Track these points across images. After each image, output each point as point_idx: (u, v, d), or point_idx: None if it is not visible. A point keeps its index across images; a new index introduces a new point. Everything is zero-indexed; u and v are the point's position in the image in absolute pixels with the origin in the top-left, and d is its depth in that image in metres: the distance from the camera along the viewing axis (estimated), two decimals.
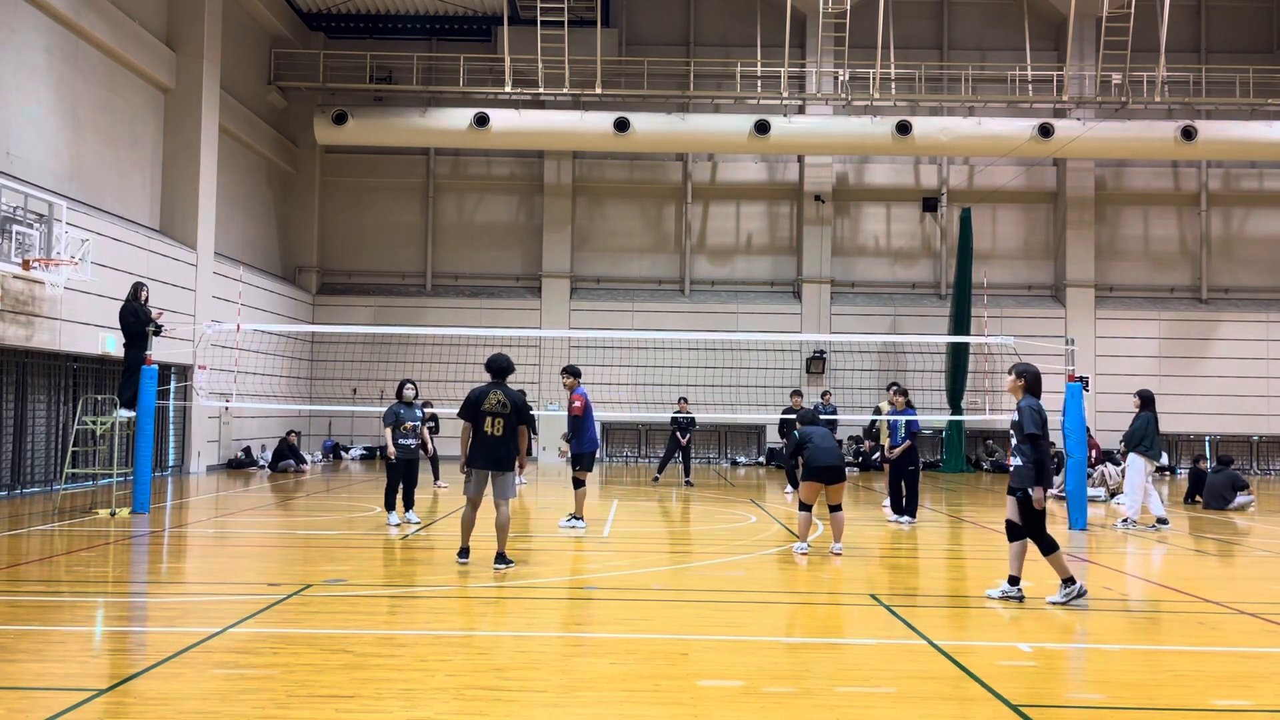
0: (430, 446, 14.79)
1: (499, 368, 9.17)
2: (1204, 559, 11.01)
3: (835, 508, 10.28)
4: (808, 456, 10.09)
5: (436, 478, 17.87)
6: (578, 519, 12.12)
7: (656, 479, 20.17)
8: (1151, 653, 6.30)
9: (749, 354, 24.66)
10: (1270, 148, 26.18)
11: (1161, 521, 13.10)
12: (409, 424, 12.20)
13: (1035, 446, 7.77)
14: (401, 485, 12.29)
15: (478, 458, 8.91)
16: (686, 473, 19.80)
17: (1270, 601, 8.07)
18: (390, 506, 12.31)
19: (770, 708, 4.95)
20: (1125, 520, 13.23)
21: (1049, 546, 7.73)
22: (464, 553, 9.18)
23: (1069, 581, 7.62)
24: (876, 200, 29.14)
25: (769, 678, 5.51)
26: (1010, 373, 8.22)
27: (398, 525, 12.09)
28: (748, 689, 5.29)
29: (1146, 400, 13.30)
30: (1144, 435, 13.01)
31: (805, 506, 10.33)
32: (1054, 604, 7.60)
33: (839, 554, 10.02)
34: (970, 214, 26.10)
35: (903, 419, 13.30)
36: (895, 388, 13.97)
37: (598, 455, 18.14)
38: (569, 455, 12.93)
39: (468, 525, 9.19)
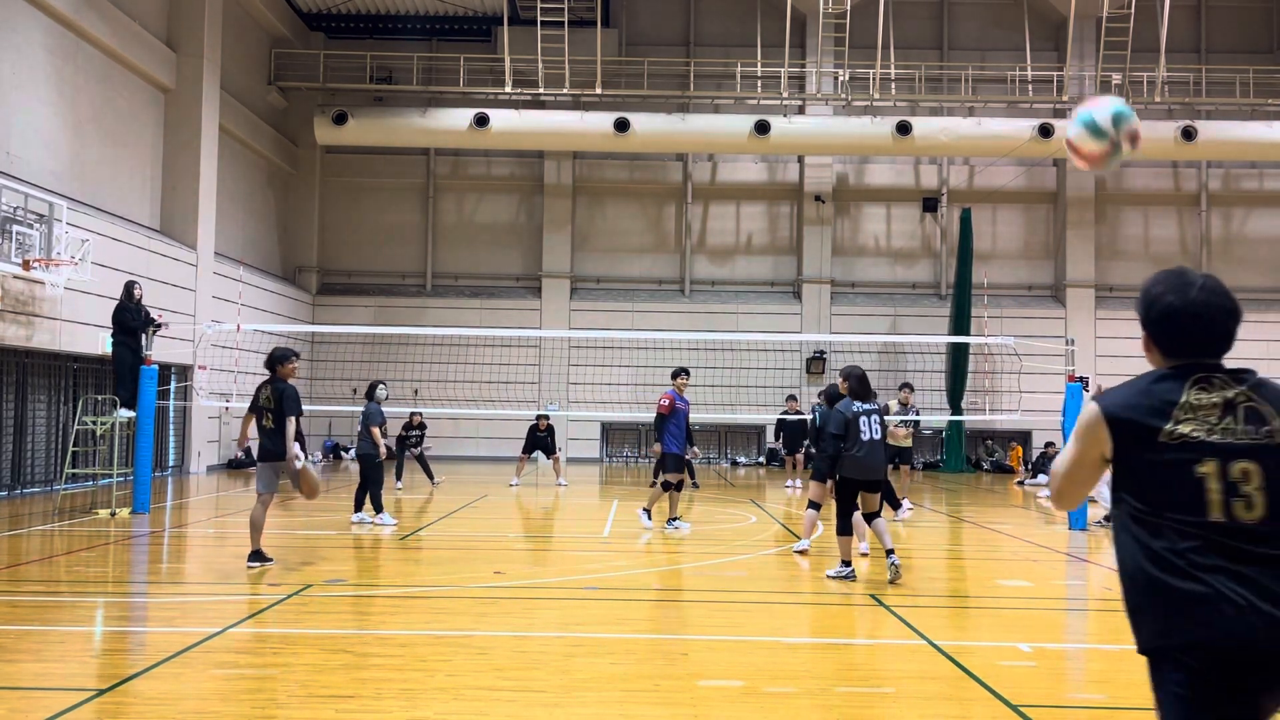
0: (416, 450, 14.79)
1: (269, 359, 8.98)
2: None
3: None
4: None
5: (431, 477, 17.68)
6: (675, 520, 12.01)
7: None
8: None
9: (749, 354, 24.65)
10: (1270, 148, 26.18)
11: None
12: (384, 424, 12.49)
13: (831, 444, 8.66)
14: (372, 485, 12.31)
15: (260, 452, 8.88)
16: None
17: None
18: (381, 508, 12.27)
19: (770, 708, 4.95)
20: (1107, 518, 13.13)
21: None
22: (256, 556, 8.74)
23: (847, 563, 8.61)
24: (876, 200, 29.13)
25: (769, 678, 5.51)
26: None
27: (394, 524, 12.06)
28: (748, 689, 5.29)
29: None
30: None
31: (816, 505, 9.62)
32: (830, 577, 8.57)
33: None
34: (970, 214, 26.10)
35: (897, 418, 13.27)
36: (908, 387, 13.99)
37: (602, 456, 18.12)
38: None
39: (257, 526, 8.83)
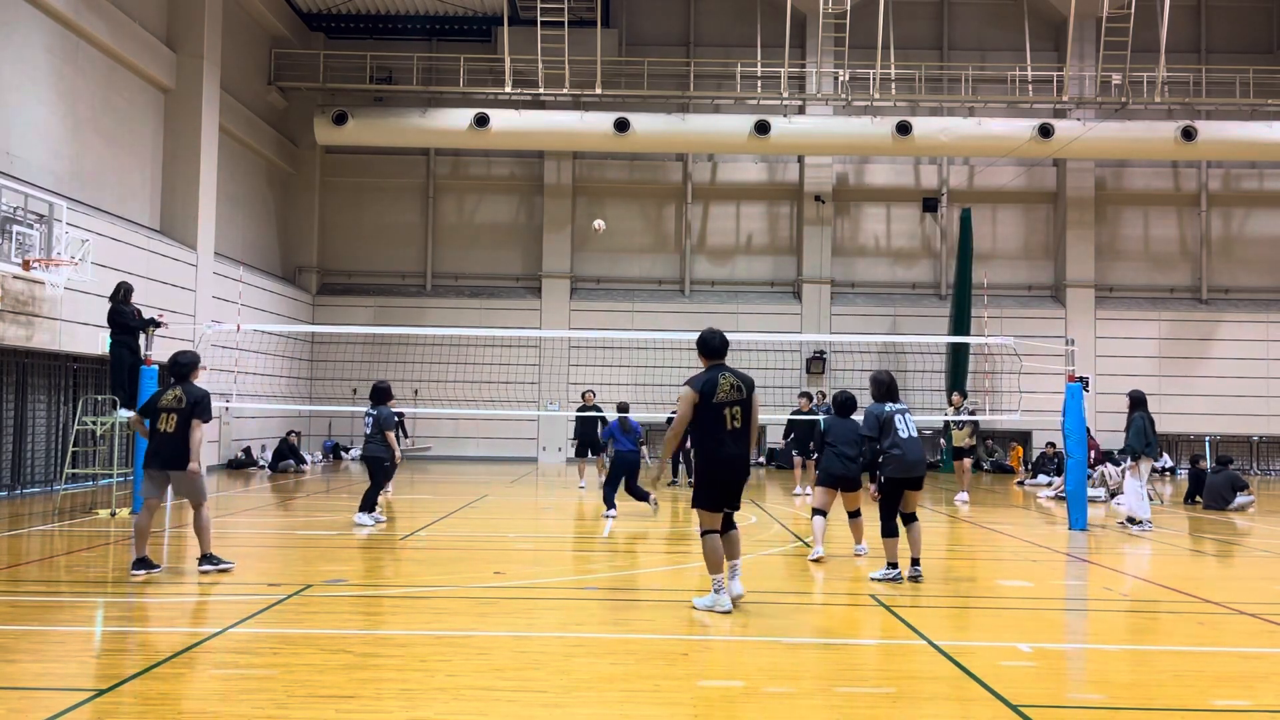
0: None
1: (175, 364, 8.56)
2: (1204, 559, 11.01)
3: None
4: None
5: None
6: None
7: (674, 482, 19.40)
8: (1151, 653, 6.30)
9: (749, 354, 24.64)
10: (1270, 148, 26.18)
11: (1136, 522, 13.01)
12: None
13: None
14: (374, 485, 12.34)
15: (152, 457, 8.35)
16: (689, 473, 19.36)
17: (1270, 601, 8.07)
18: (372, 507, 12.21)
19: (770, 708, 4.95)
20: (1136, 522, 12.96)
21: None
22: (141, 563, 8.26)
23: (894, 565, 8.48)
24: (876, 200, 29.13)
25: (769, 678, 5.51)
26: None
27: (373, 525, 11.99)
28: (748, 689, 5.29)
29: (1137, 401, 13.17)
30: (1147, 436, 12.93)
31: (822, 512, 9.37)
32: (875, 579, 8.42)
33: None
34: (970, 214, 26.09)
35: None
36: (959, 392, 14.05)
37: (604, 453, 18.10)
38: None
39: (142, 532, 8.32)
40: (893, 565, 8.46)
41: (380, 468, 12.21)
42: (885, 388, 8.78)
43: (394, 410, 14.10)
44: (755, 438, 7.25)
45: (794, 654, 6.14)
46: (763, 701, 5.06)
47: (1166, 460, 27.22)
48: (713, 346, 7.27)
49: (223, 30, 22.21)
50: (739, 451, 7.02)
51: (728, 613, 6.98)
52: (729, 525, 7.20)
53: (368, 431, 12.48)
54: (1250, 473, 26.52)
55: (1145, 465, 13.07)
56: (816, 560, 9.58)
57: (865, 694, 5.27)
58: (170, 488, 8.54)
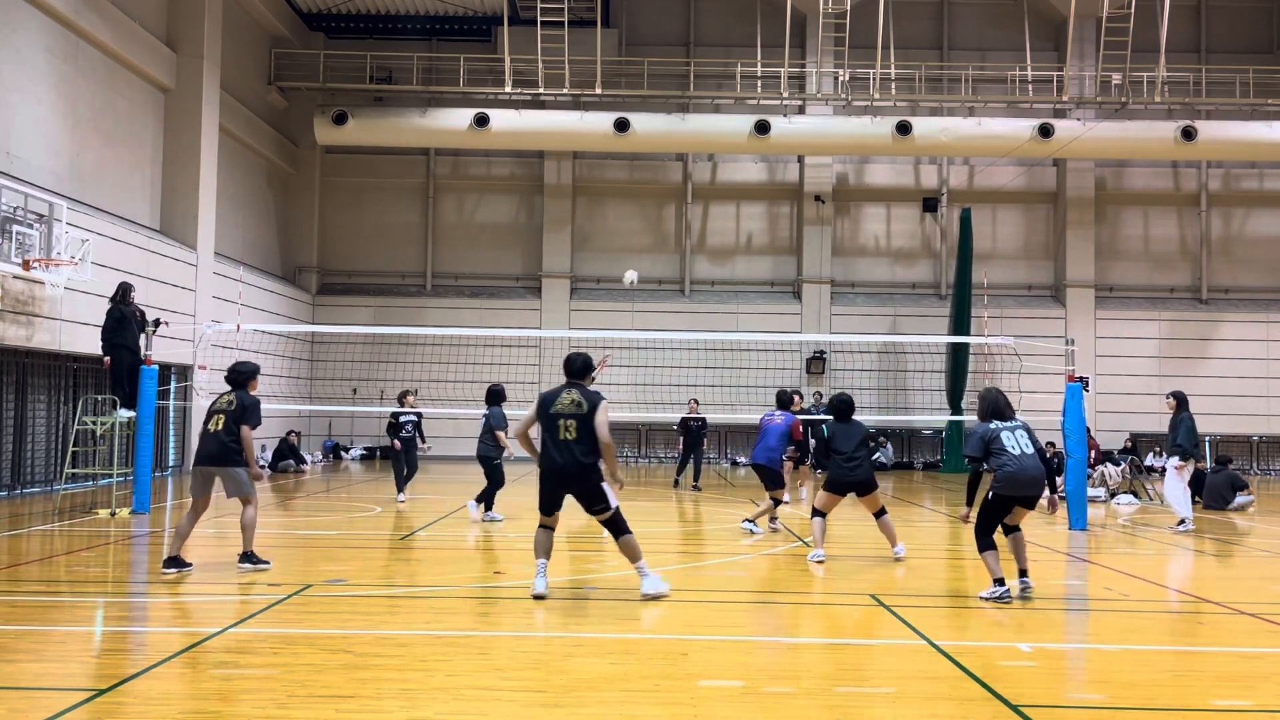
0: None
1: (232, 371, 8.99)
2: (1204, 559, 11.01)
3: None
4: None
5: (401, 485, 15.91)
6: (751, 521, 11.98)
7: (677, 483, 19.03)
8: (1151, 653, 6.30)
9: (749, 354, 24.65)
10: (1270, 148, 26.18)
11: (1180, 522, 12.94)
12: None
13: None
14: (493, 485, 12.95)
15: (198, 455, 8.80)
16: (696, 477, 18.89)
17: (1270, 601, 8.07)
18: (491, 505, 12.91)
19: (770, 708, 4.95)
20: (1180, 522, 12.83)
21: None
22: (174, 562, 8.51)
23: (1000, 581, 7.78)
24: (876, 200, 29.14)
25: (769, 678, 5.51)
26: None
27: (502, 520, 12.67)
28: (748, 689, 5.29)
29: (1183, 401, 13.04)
30: (1195, 436, 12.86)
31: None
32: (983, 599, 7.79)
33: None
34: (970, 214, 26.09)
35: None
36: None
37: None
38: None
39: (182, 532, 8.70)
40: (999, 582, 7.76)
41: (491, 466, 12.65)
42: (990, 405, 8.19)
43: (413, 411, 14.22)
44: (608, 454, 7.56)
45: (794, 654, 6.15)
46: (763, 701, 5.06)
47: (1167, 460, 27.22)
48: (570, 368, 7.89)
49: (223, 30, 22.21)
50: (562, 461, 7.50)
51: (538, 599, 7.43)
52: (619, 530, 7.64)
53: (480, 433, 12.99)
54: (1250, 473, 26.52)
55: (1190, 466, 12.95)
56: (819, 562, 9.50)
57: (865, 694, 5.27)
58: (219, 486, 8.87)
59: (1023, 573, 7.98)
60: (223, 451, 8.55)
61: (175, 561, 8.49)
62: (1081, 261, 28.19)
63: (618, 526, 7.64)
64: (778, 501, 11.77)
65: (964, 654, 6.09)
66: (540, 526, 7.74)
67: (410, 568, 9.33)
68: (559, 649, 6.10)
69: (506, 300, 28.31)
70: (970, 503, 8.13)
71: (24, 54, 16.33)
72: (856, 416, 9.95)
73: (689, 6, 29.07)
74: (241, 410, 8.64)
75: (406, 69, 27.16)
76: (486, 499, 12.76)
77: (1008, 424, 8.03)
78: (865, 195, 29.12)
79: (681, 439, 18.94)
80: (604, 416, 7.49)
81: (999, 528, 8.01)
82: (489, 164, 29.21)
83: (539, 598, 7.45)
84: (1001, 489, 7.78)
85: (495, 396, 12.99)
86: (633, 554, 7.64)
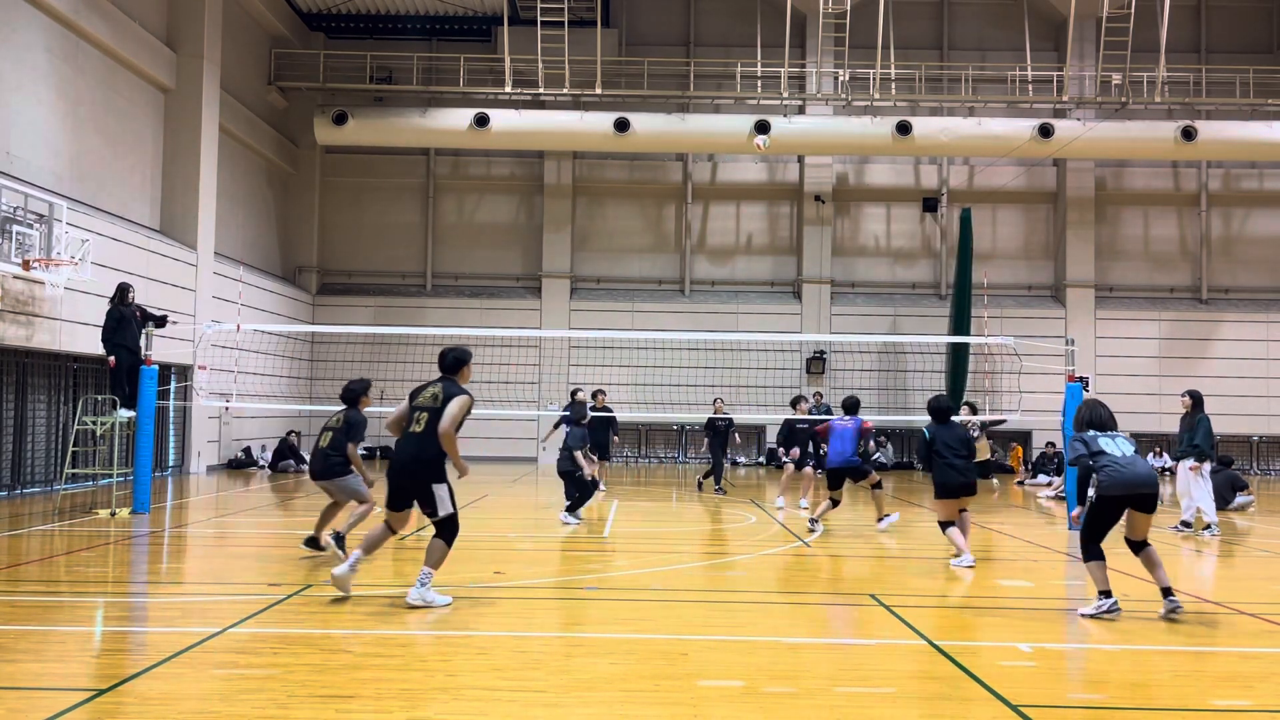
0: None
1: (345, 390, 9.75)
2: (1204, 559, 11.01)
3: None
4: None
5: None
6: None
7: (719, 489, 17.92)
8: (1152, 653, 6.29)
9: (749, 354, 24.66)
10: (1270, 148, 26.18)
11: (1190, 525, 12.74)
12: None
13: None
14: (584, 494, 13.04)
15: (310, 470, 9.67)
16: (717, 480, 18.05)
17: (1270, 601, 8.07)
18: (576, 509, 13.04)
19: (770, 708, 4.95)
20: (1205, 526, 12.68)
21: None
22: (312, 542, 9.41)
23: (1106, 593, 7.21)
24: (876, 200, 29.14)
25: (769, 678, 5.51)
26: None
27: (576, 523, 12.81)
28: (748, 689, 5.29)
29: (1200, 400, 12.76)
30: (1212, 438, 12.71)
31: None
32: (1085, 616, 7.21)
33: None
34: (970, 214, 26.09)
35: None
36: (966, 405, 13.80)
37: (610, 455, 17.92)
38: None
39: (324, 517, 9.60)
40: (1105, 594, 7.11)
41: (572, 479, 12.72)
42: (1087, 416, 7.58)
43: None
44: (445, 442, 7.06)
45: (794, 654, 6.15)
46: (762, 701, 5.06)
47: (1167, 460, 27.24)
48: (441, 363, 7.54)
49: (223, 30, 22.21)
50: (407, 452, 7.12)
51: (338, 587, 7.33)
52: (441, 535, 7.20)
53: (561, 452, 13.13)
54: (1250, 473, 26.52)
55: (1207, 468, 12.76)
56: (970, 567, 9.35)
57: (865, 694, 5.27)
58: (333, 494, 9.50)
59: (1166, 592, 7.17)
60: (327, 466, 9.22)
61: (336, 539, 9.15)
62: (1081, 261, 28.19)
63: (441, 531, 7.24)
64: (835, 502, 12.03)
65: (964, 654, 6.09)
66: (384, 522, 7.47)
67: (410, 568, 9.32)
68: (559, 649, 6.10)
69: (506, 300, 28.32)
70: (1081, 501, 7.52)
71: (24, 54, 16.33)
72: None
73: (689, 6, 29.07)
74: (348, 428, 9.30)
75: (406, 69, 27.16)
76: (579, 502, 12.87)
77: (1107, 433, 7.45)
78: (865, 195, 29.12)
79: (707, 439, 18.44)
80: (455, 409, 7.03)
81: (1107, 539, 7.32)
82: (489, 164, 29.21)
83: (339, 587, 7.24)
84: (1107, 489, 7.13)
85: (575, 416, 13.33)
86: (432, 558, 7.16)
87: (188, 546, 10.82)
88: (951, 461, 9.45)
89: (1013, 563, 10.19)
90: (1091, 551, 7.26)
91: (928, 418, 10.07)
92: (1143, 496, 7.13)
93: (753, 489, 19.37)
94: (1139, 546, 7.38)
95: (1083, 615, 7.13)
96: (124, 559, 9.52)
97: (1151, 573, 7.34)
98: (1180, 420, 13.05)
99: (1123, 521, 7.38)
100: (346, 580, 7.33)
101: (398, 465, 7.24)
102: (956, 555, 9.57)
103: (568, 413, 17.13)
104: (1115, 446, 7.29)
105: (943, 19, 28.93)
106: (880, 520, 12.23)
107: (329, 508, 9.55)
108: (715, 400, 18.89)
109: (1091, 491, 7.25)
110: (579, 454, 12.73)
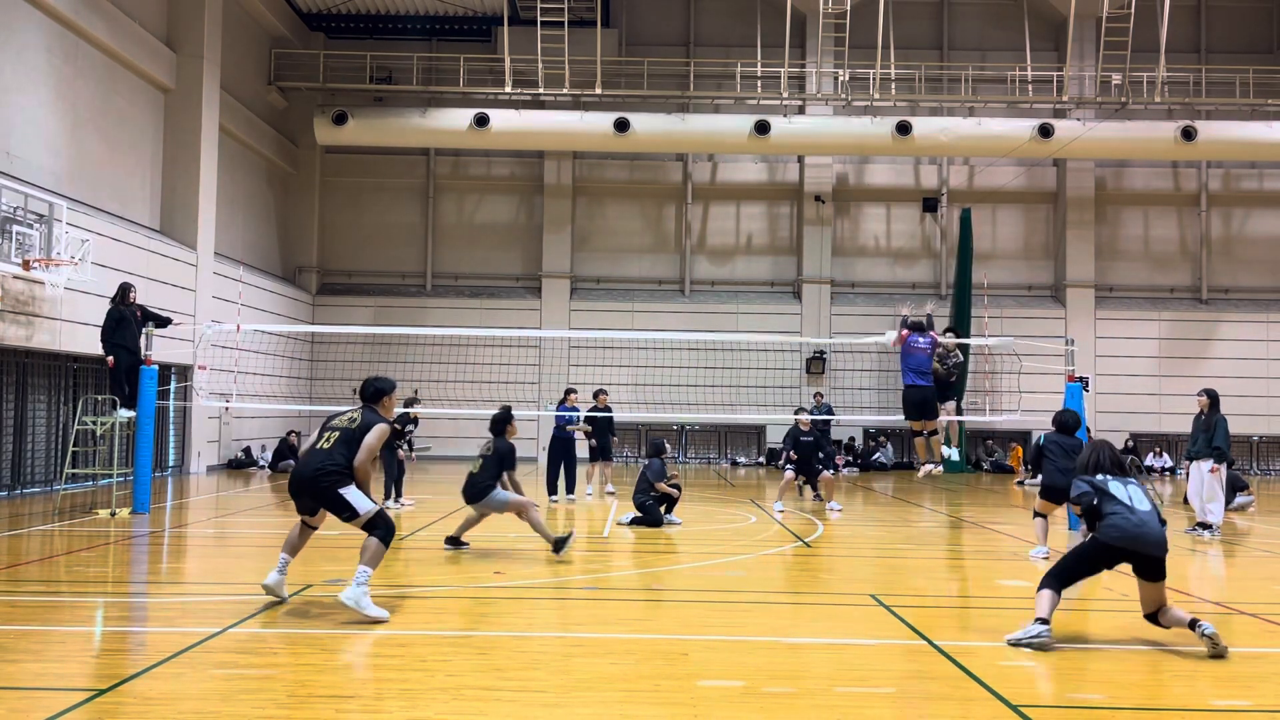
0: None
1: (493, 419, 10.63)
2: (1204, 559, 11.00)
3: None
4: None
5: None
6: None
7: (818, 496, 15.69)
8: (1152, 653, 6.29)
9: (749, 354, 24.65)
10: (1270, 148, 26.18)
11: (1211, 527, 12.54)
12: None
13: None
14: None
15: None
16: (814, 488, 15.65)
17: (1270, 601, 8.07)
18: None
19: (770, 708, 4.95)
20: (1208, 526, 12.53)
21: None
22: (453, 541, 10.24)
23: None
24: (876, 200, 29.14)
25: (769, 678, 5.51)
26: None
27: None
28: (748, 689, 5.29)
29: (1217, 400, 12.57)
30: (1229, 438, 12.55)
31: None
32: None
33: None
34: (970, 214, 26.10)
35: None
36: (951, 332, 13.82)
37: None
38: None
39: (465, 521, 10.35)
40: (1042, 621, 6.30)
41: (644, 510, 12.56)
42: (1091, 458, 6.72)
43: (406, 412, 14.24)
44: (359, 472, 6.95)
45: (794, 654, 6.14)
46: (762, 701, 5.06)
47: (1167, 460, 27.24)
48: (362, 393, 7.52)
49: (222, 30, 22.21)
50: (310, 466, 6.96)
51: (269, 592, 7.11)
52: (377, 530, 6.99)
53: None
54: (1250, 473, 26.52)
55: (1223, 469, 12.59)
56: (1045, 558, 9.70)
57: (865, 694, 5.27)
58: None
59: (1193, 624, 6.18)
60: (474, 493, 9.95)
61: (454, 541, 10.18)
62: (1081, 261, 28.19)
63: (372, 529, 6.98)
64: (932, 432, 12.21)
65: (964, 654, 6.09)
66: (301, 520, 7.40)
67: (410, 568, 9.32)
68: (559, 649, 6.10)
69: (506, 300, 28.32)
70: (1093, 528, 6.57)
71: (24, 54, 16.33)
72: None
73: (689, 6, 29.07)
74: (500, 458, 10.25)
75: (406, 69, 27.16)
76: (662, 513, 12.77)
77: (1119, 478, 6.57)
78: (865, 195, 29.12)
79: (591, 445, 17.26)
80: (374, 439, 6.92)
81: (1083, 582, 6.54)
82: (489, 164, 29.21)
83: (269, 591, 7.09)
84: (1109, 537, 6.30)
85: (656, 450, 13.21)
86: (366, 555, 6.88)
87: (188, 546, 10.82)
88: (1061, 465, 9.76)
89: (1013, 563, 10.19)
90: (1050, 582, 6.46)
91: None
92: (1147, 559, 6.29)
93: (752, 489, 19.37)
94: (1154, 616, 6.39)
95: (1009, 641, 6.31)
96: (124, 559, 9.52)
97: (1179, 626, 6.32)
98: (1194, 420, 12.82)
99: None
100: (280, 587, 7.18)
101: (299, 480, 7.06)
102: (1035, 547, 10.12)
103: (591, 412, 17.04)
104: (1125, 492, 6.45)
105: (943, 19, 28.94)
106: (946, 447, 12.52)
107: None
108: (815, 394, 18.62)
109: (1089, 532, 6.54)
110: (662, 485, 12.63)
